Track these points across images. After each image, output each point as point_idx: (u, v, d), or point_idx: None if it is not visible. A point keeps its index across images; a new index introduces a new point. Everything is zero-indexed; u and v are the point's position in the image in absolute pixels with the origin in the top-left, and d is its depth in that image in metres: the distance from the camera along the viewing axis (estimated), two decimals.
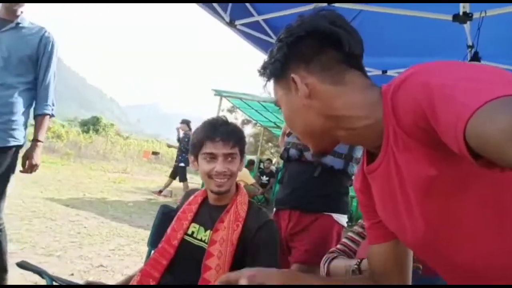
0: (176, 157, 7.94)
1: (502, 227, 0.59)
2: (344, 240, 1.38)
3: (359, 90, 0.73)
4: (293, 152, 1.80)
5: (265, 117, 10.97)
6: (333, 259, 1.29)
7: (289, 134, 1.88)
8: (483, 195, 0.59)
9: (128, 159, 18.78)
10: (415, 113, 0.55)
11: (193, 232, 1.36)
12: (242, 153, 1.40)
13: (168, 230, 1.39)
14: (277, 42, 0.80)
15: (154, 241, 1.51)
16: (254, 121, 19.64)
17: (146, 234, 4.37)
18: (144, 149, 21.89)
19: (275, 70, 0.79)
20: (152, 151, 20.39)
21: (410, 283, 0.86)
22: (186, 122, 7.94)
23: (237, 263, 1.25)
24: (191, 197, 1.46)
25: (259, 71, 0.84)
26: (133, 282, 1.33)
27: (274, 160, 13.71)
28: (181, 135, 7.86)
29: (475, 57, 2.42)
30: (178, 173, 7.74)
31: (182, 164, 7.64)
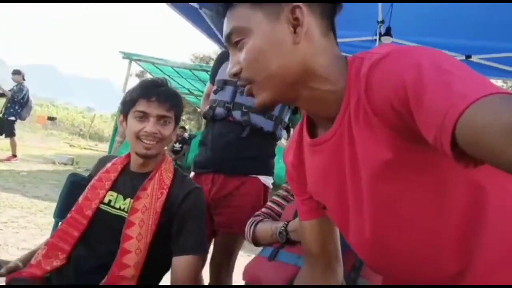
0: (5, 109, 6.83)
1: (441, 214, 0.60)
2: (269, 203, 1.38)
3: (333, 53, 0.67)
4: (220, 110, 1.66)
5: (178, 83, 10.54)
6: (258, 222, 1.29)
7: (216, 92, 1.72)
8: (429, 183, 0.59)
9: (18, 125, 16.66)
10: (395, 92, 0.52)
11: (110, 201, 1.23)
12: (177, 120, 1.29)
13: (80, 199, 1.24)
14: None
15: (61, 212, 1.35)
16: None
17: (44, 205, 3.97)
18: (38, 114, 19.62)
19: None
20: (47, 116, 18.38)
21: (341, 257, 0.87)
22: (18, 73, 6.87)
23: (161, 232, 1.18)
24: (108, 164, 1.31)
25: None
26: (39, 256, 1.18)
27: (187, 127, 13.41)
28: (14, 87, 6.84)
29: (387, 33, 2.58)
30: (6, 126, 6.74)
31: (12, 118, 6.75)
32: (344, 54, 0.68)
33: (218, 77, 1.75)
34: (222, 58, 1.81)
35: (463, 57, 3.48)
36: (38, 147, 10.55)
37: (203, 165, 1.70)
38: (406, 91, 0.50)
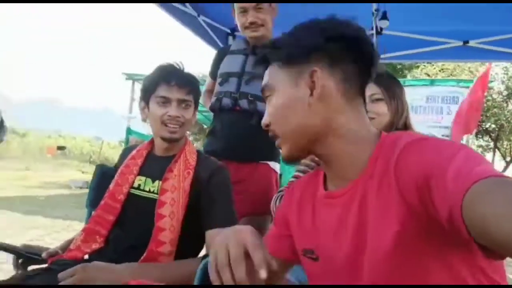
0: None
1: None
2: (291, 179, 1.44)
3: (362, 119, 0.73)
4: (226, 101, 1.73)
5: None
6: (283, 196, 1.35)
7: (221, 84, 1.78)
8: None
9: (28, 156, 16.95)
10: (424, 171, 0.56)
11: (139, 185, 1.30)
12: (196, 104, 1.35)
13: (111, 186, 1.32)
14: (311, 25, 0.73)
15: (93, 201, 1.42)
16: None
17: (66, 224, 4.06)
18: (47, 145, 19.94)
19: (295, 54, 0.72)
20: (57, 146, 18.68)
21: None
22: None
23: (191, 210, 1.24)
24: (134, 151, 1.39)
25: (269, 46, 0.77)
26: (77, 242, 1.24)
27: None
28: None
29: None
30: None
31: None
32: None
33: (221, 71, 1.83)
34: (223, 53, 1.91)
35: (461, 43, 3.53)
36: (51, 175, 10.73)
37: (215, 154, 1.71)
38: (432, 173, 0.55)
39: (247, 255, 0.61)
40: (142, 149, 1.38)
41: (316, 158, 1.37)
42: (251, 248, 0.61)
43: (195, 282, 0.97)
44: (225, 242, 0.63)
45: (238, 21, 1.79)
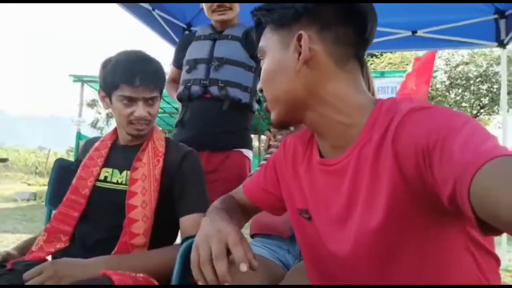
0: None
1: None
2: (263, 162, 1.42)
3: (354, 86, 0.69)
4: (195, 88, 1.68)
5: None
6: None
7: (188, 71, 1.71)
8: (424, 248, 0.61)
9: None
10: (427, 140, 0.54)
11: (106, 177, 1.21)
12: (161, 93, 1.27)
13: (74, 181, 1.21)
14: None
15: (53, 199, 1.31)
16: None
17: (15, 237, 3.76)
18: None
19: (284, 16, 0.69)
20: None
21: None
22: None
23: (164, 198, 1.17)
24: (97, 143, 1.29)
25: (260, 9, 0.73)
26: (39, 242, 1.14)
27: None
28: None
29: None
30: None
31: None
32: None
33: (188, 58, 1.76)
34: (187, 40, 1.84)
35: (410, 33, 3.71)
36: None
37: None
38: (436, 143, 0.52)
39: (229, 253, 0.63)
40: (106, 140, 1.29)
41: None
42: (231, 245, 0.63)
43: (176, 269, 0.92)
44: (207, 240, 0.65)
45: (205, 4, 1.73)
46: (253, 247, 1.18)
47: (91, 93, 12.65)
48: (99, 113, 19.19)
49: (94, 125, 19.11)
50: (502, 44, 3.36)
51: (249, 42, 1.64)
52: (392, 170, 0.59)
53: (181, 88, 1.74)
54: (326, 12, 0.67)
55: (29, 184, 12.39)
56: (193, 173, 1.22)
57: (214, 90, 1.65)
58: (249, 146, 1.78)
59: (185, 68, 1.75)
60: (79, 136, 7.29)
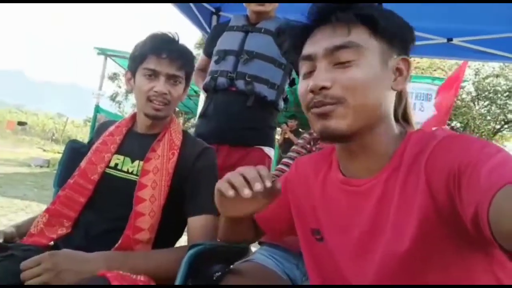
0: None
1: None
2: (280, 166, 1.35)
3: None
4: (222, 80, 1.62)
5: None
6: None
7: (217, 62, 1.66)
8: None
9: None
10: (459, 165, 0.56)
11: (116, 164, 1.16)
12: (187, 81, 1.22)
13: (83, 164, 1.17)
14: (401, 18, 0.71)
15: (62, 181, 1.26)
16: None
17: (24, 204, 3.81)
18: (8, 119, 18.87)
19: (400, 36, 0.70)
20: (18, 121, 17.72)
21: None
22: None
23: (174, 194, 1.12)
24: (112, 127, 1.24)
25: (369, 8, 0.69)
26: (39, 225, 1.10)
27: None
28: None
29: None
30: None
31: None
32: None
33: (218, 48, 1.70)
34: (220, 29, 1.78)
35: (445, 40, 3.56)
36: (10, 151, 10.12)
37: (206, 137, 1.57)
38: (466, 168, 0.54)
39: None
40: (122, 126, 1.23)
41: (308, 146, 1.29)
42: (259, 168, 0.70)
43: (179, 276, 0.87)
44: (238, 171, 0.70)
45: None
46: (258, 255, 1.13)
47: (113, 67, 12.71)
48: (119, 87, 19.34)
49: (113, 98, 19.30)
50: None
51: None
52: (423, 194, 0.60)
53: (208, 78, 1.69)
54: (408, 49, 0.72)
55: (44, 150, 12.61)
56: (207, 172, 1.16)
57: (240, 84, 1.60)
58: (271, 144, 1.71)
59: (214, 58, 1.70)
60: (97, 109, 7.31)
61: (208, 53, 1.82)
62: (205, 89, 1.72)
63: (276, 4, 1.68)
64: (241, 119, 1.60)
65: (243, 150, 1.62)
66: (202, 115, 1.72)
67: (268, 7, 1.64)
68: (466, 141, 0.60)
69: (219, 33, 1.75)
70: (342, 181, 0.74)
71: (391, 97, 0.71)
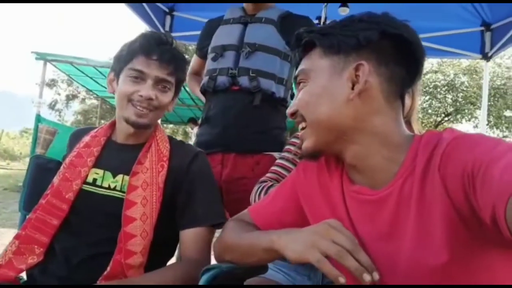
0: None
1: None
2: (274, 168, 1.26)
3: (397, 124, 0.70)
4: (222, 79, 1.43)
5: (102, 85, 9.65)
6: (268, 187, 1.17)
7: (214, 59, 1.48)
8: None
9: None
10: (472, 165, 0.55)
11: (95, 180, 1.01)
12: (177, 88, 1.09)
13: (56, 181, 1.01)
14: (367, 18, 0.69)
15: (29, 203, 1.09)
16: (82, 97, 17.09)
17: None
18: None
19: (343, 43, 0.68)
20: None
21: None
22: None
23: (165, 210, 1.00)
24: (87, 138, 1.08)
25: (312, 32, 0.72)
26: (8, 254, 0.95)
27: None
28: None
29: None
30: None
31: None
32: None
33: (214, 44, 1.52)
34: (214, 25, 1.60)
35: None
36: None
37: (209, 145, 1.44)
38: (479, 169, 0.53)
39: None
40: (99, 135, 1.09)
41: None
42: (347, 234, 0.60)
43: None
44: (326, 235, 0.59)
45: None
46: (268, 271, 1.04)
47: (51, 72, 11.88)
48: (59, 94, 18.10)
49: (52, 106, 18.04)
50: (486, 57, 3.39)
51: (286, 26, 1.45)
52: (442, 196, 0.59)
53: (205, 79, 1.51)
54: (386, 49, 0.68)
55: None
56: (201, 179, 1.05)
57: (243, 80, 1.42)
58: (282, 148, 1.44)
59: (210, 56, 1.52)
60: (38, 118, 6.70)
61: (202, 53, 1.64)
62: (203, 92, 1.55)
63: None
64: (246, 121, 1.43)
65: (252, 159, 1.43)
66: (203, 121, 1.53)
67: None
68: (476, 141, 0.59)
69: (213, 29, 1.57)
70: (353, 190, 0.72)
71: (357, 107, 0.67)
